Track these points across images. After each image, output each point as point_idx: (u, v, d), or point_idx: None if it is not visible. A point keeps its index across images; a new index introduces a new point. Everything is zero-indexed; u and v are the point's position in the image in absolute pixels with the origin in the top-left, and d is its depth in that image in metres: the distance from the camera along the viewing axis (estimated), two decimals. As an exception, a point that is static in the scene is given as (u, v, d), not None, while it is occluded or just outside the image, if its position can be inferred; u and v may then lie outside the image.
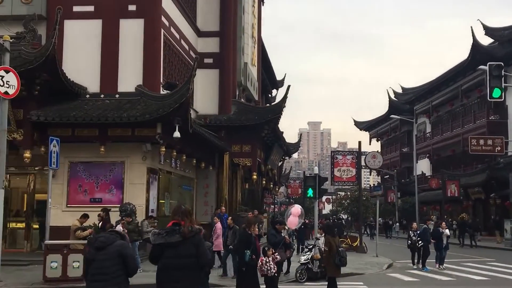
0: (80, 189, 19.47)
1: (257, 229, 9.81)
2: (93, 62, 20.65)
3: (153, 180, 20.13)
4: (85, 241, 13.78)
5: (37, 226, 19.87)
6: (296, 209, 12.60)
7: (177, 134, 18.24)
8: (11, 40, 15.64)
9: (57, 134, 17.59)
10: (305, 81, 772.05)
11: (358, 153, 28.08)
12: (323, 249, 13.13)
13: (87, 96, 20.28)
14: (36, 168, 19.80)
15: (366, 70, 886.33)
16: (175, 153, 20.39)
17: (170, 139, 18.60)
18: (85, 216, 15.05)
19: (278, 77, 48.49)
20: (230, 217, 16.81)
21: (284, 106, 26.74)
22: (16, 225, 21.00)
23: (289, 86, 27.06)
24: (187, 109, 18.66)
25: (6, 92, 13.78)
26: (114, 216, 17.69)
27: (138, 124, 18.21)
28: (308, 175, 30.62)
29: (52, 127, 18.51)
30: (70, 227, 14.89)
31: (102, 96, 20.29)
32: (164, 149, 18.93)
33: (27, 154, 18.37)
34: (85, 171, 19.52)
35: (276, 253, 10.32)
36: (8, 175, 20.50)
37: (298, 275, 15.16)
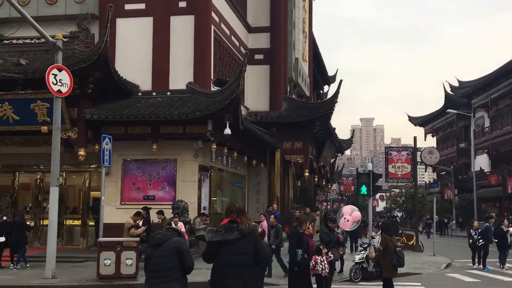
0: (134, 186, 19.61)
1: (311, 227, 9.47)
2: (145, 60, 20.78)
3: (204, 178, 20.08)
4: (138, 239, 13.81)
5: (92, 223, 20.15)
6: (355, 213, 11.98)
7: (227, 131, 18.11)
8: (64, 39, 15.83)
9: (110, 132, 17.78)
10: (358, 76, 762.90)
11: (413, 149, 27.22)
12: (378, 248, 12.65)
13: (139, 94, 20.40)
14: (92, 166, 20.06)
15: (421, 64, 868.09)
16: (226, 150, 20.28)
17: (221, 136, 18.50)
18: (138, 214, 15.12)
19: (330, 72, 47.85)
20: (272, 216, 16.36)
21: (336, 101, 26.21)
22: (73, 222, 21.39)
23: (341, 81, 26.54)
24: (237, 105, 18.50)
25: (59, 91, 13.94)
26: (167, 214, 17.72)
27: (189, 122, 18.18)
28: (362, 171, 29.91)
29: (105, 125, 18.66)
30: (124, 225, 14.95)
31: (154, 93, 20.37)
32: (215, 146, 18.84)
33: (82, 152, 18.62)
34: (138, 168, 19.64)
35: (329, 252, 9.96)
36: (64, 173, 20.96)
37: (352, 274, 14.73)
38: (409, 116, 68.73)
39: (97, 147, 18.27)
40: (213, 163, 20.74)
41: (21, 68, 17.83)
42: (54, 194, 14.13)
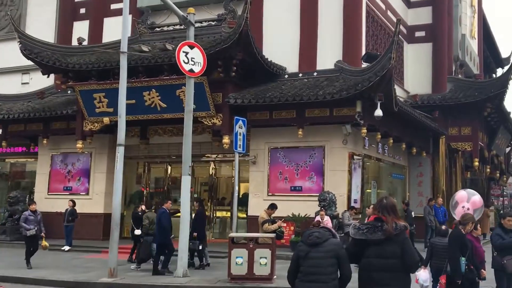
0: (281, 176, 18.24)
1: (479, 228, 7.24)
2: (291, 40, 19.37)
3: (356, 167, 18.09)
4: (273, 235, 12.27)
5: (243, 215, 19.08)
6: (474, 198, 8.83)
7: (378, 112, 15.86)
8: (194, 13, 14.53)
9: (256, 118, 17.24)
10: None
11: None
12: None
13: (286, 76, 19.10)
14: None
15: None
16: (379, 136, 18.10)
17: (372, 119, 16.43)
18: (273, 207, 13.45)
19: (504, 54, 42.72)
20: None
21: (511, 79, 22.57)
22: (226, 214, 20.70)
23: (516, 53, 22.73)
24: (390, 82, 16.16)
25: (191, 70, 12.83)
26: (314, 207, 16.35)
27: (335, 103, 16.35)
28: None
29: (250, 110, 17.61)
30: (258, 219, 13.55)
31: (300, 75, 18.91)
32: (365, 130, 16.76)
33: (226, 140, 17.59)
34: (285, 157, 18.27)
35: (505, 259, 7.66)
36: (213, 163, 20.55)
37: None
38: None
39: (241, 134, 17.36)
40: (366, 151, 18.76)
41: (166, 54, 17.46)
42: (185, 184, 12.83)
